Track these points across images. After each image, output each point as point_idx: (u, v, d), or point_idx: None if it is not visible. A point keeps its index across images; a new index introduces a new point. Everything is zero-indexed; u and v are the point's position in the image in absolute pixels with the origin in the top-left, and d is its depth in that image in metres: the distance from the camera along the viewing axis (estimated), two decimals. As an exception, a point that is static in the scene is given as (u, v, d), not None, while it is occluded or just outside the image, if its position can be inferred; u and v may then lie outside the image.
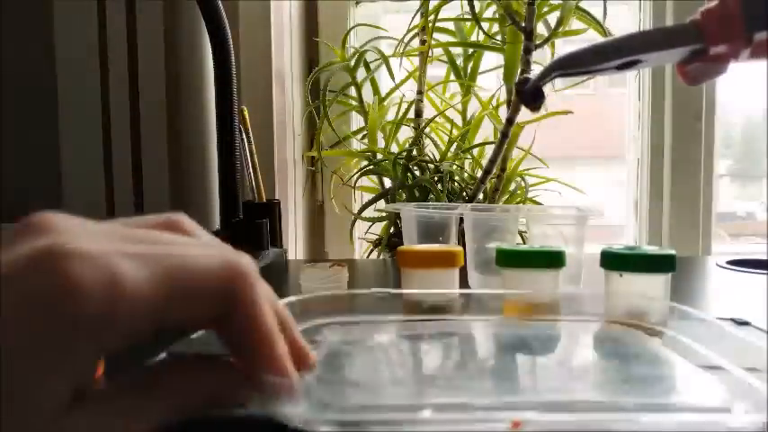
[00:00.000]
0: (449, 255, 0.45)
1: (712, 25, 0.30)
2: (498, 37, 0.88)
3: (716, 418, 0.25)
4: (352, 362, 0.36)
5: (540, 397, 0.29)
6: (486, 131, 0.97)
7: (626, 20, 1.16)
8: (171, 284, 0.20)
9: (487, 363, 0.36)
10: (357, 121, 1.11)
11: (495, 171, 0.87)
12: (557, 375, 0.33)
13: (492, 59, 0.98)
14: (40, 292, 0.18)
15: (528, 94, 0.36)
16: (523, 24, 0.80)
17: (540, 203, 0.95)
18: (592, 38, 0.89)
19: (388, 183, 0.97)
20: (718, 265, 0.75)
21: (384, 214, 0.96)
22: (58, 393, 0.19)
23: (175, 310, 0.21)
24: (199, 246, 0.23)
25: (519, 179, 0.94)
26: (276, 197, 0.92)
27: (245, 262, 0.23)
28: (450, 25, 0.95)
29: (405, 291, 0.45)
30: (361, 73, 0.99)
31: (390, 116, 1.00)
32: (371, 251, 0.99)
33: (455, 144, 0.96)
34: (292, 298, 0.41)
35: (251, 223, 0.72)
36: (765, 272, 0.69)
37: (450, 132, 0.97)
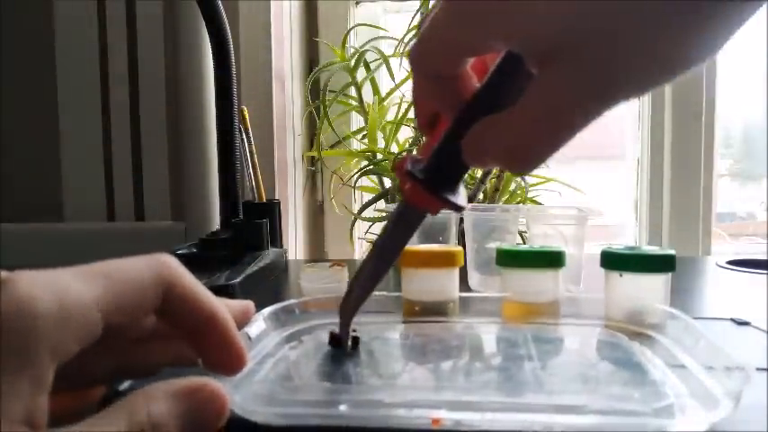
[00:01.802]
0: (449, 255, 0.45)
1: (421, 203, 0.31)
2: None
3: (627, 420, 0.25)
4: (325, 361, 0.36)
5: (457, 396, 0.30)
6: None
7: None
8: (109, 281, 0.22)
9: (449, 364, 0.36)
10: (357, 121, 1.11)
11: (495, 171, 0.87)
12: (501, 377, 0.33)
13: (492, 59, 0.98)
14: None
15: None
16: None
17: (540, 203, 0.95)
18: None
19: (388, 183, 0.97)
20: (718, 265, 0.75)
21: (384, 214, 0.96)
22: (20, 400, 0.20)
23: (118, 303, 0.23)
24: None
25: (519, 179, 0.94)
26: (276, 197, 0.92)
27: (170, 257, 0.25)
28: (450, 25, 0.95)
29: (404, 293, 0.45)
30: (361, 73, 0.99)
31: (390, 116, 1.00)
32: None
33: (455, 144, 0.96)
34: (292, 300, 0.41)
35: (251, 223, 0.72)
36: (765, 272, 0.69)
37: (450, 132, 0.97)
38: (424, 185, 0.30)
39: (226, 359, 0.27)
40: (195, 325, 0.26)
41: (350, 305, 0.36)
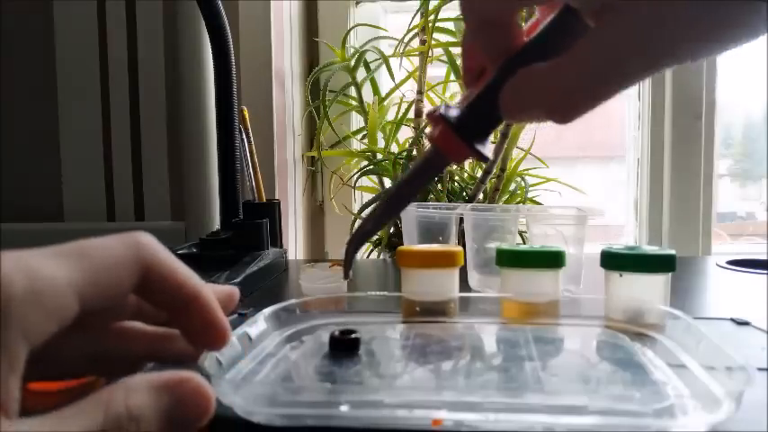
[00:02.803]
0: (449, 255, 0.45)
1: (447, 151, 0.31)
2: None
3: (628, 421, 0.25)
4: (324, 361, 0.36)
5: (458, 397, 0.30)
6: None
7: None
8: (83, 261, 0.22)
9: (450, 364, 0.36)
10: (357, 121, 1.11)
11: (495, 171, 0.87)
12: (503, 378, 0.33)
13: (492, 59, 0.98)
14: None
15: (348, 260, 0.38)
16: (523, 24, 0.79)
17: (540, 203, 0.95)
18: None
19: (388, 183, 0.97)
20: (718, 265, 0.75)
21: (384, 214, 0.96)
22: None
23: (94, 283, 0.22)
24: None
25: (519, 179, 0.94)
26: (276, 197, 0.92)
27: (147, 235, 0.25)
28: (451, 25, 0.95)
29: (403, 293, 0.45)
30: (361, 73, 0.99)
31: (390, 116, 1.00)
32: (371, 251, 0.99)
33: (455, 144, 0.96)
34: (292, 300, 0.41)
35: (251, 223, 0.72)
36: (765, 272, 0.69)
37: (451, 132, 0.97)
38: (455, 130, 0.30)
39: (209, 335, 0.26)
40: (177, 302, 0.25)
41: (357, 238, 0.36)
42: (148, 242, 0.24)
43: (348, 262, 0.37)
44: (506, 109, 0.29)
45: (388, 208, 0.35)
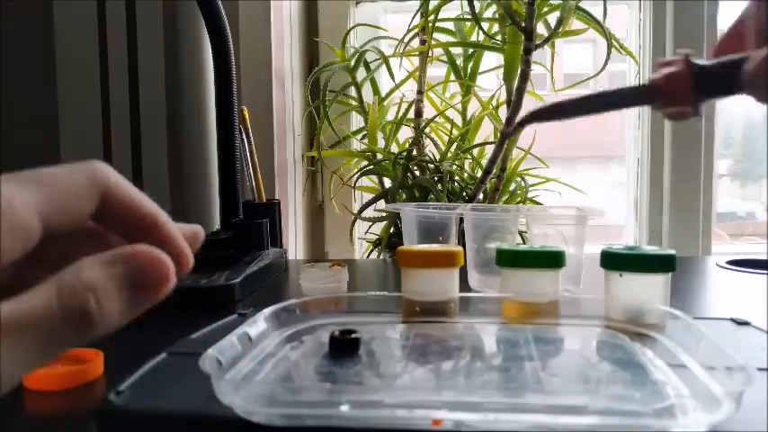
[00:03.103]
0: (449, 254, 0.45)
1: (668, 92, 0.33)
2: (498, 37, 0.88)
3: (628, 421, 0.25)
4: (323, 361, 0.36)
5: (458, 397, 0.30)
6: (486, 131, 0.97)
7: (626, 20, 1.16)
8: (44, 185, 0.22)
9: (450, 364, 0.36)
10: (357, 121, 1.11)
11: (495, 171, 0.87)
12: (502, 377, 0.33)
13: (492, 59, 0.98)
14: None
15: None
16: (523, 24, 0.79)
17: (540, 203, 0.95)
18: (592, 38, 0.89)
19: (388, 183, 0.97)
20: (718, 265, 0.75)
21: (384, 214, 0.96)
22: None
23: (56, 207, 0.22)
24: None
25: (519, 179, 0.94)
26: (276, 197, 0.92)
27: (103, 164, 0.24)
28: (451, 25, 0.95)
29: (403, 293, 0.45)
30: (361, 73, 0.99)
31: (390, 116, 1.00)
32: (371, 251, 0.99)
33: (455, 144, 0.96)
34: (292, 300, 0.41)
35: (251, 223, 0.72)
36: (765, 272, 0.69)
37: (450, 132, 0.97)
38: (694, 77, 0.31)
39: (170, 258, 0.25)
40: (136, 227, 0.25)
41: (542, 112, 0.38)
42: (105, 168, 0.24)
43: (523, 124, 0.39)
44: (755, 85, 0.29)
45: (574, 106, 0.36)
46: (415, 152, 0.94)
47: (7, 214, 0.20)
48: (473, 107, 0.98)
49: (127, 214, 0.24)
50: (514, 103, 0.81)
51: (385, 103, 1.00)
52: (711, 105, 1.09)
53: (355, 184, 0.99)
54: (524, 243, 0.80)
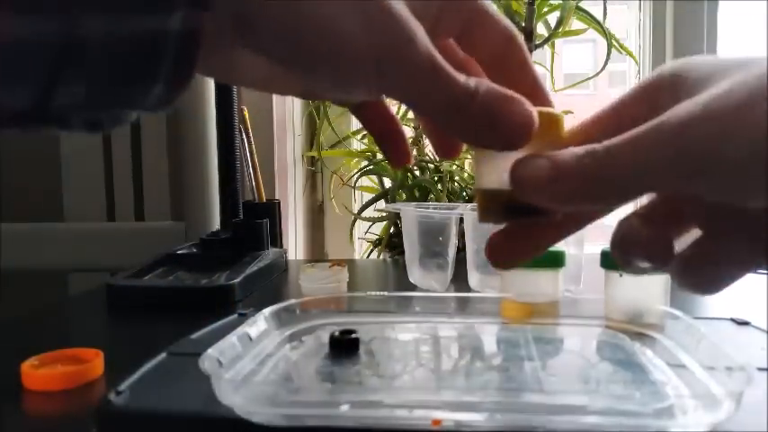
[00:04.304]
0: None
1: None
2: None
3: (628, 421, 0.25)
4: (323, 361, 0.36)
5: (458, 397, 0.30)
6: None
7: (626, 20, 1.16)
8: None
9: (450, 364, 0.36)
10: (357, 120, 1.10)
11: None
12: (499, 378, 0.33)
13: (492, 59, 0.98)
14: None
15: None
16: (523, 24, 0.79)
17: (540, 203, 0.95)
18: (592, 38, 0.89)
19: (388, 183, 0.97)
20: (718, 265, 0.75)
21: (384, 214, 0.96)
22: None
23: None
24: None
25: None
26: (276, 197, 0.92)
27: None
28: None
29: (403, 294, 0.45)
30: (361, 73, 0.99)
31: (390, 116, 1.00)
32: (371, 251, 0.98)
33: (455, 144, 0.96)
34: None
35: (251, 223, 0.72)
36: (765, 272, 0.69)
37: (450, 132, 0.97)
38: None
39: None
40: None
41: None
42: None
43: None
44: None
45: None
46: (415, 152, 0.94)
47: None
48: (473, 107, 0.98)
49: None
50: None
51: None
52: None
53: (355, 184, 0.99)
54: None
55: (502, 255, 0.24)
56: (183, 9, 0.18)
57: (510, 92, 0.21)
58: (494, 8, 0.24)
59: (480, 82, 0.21)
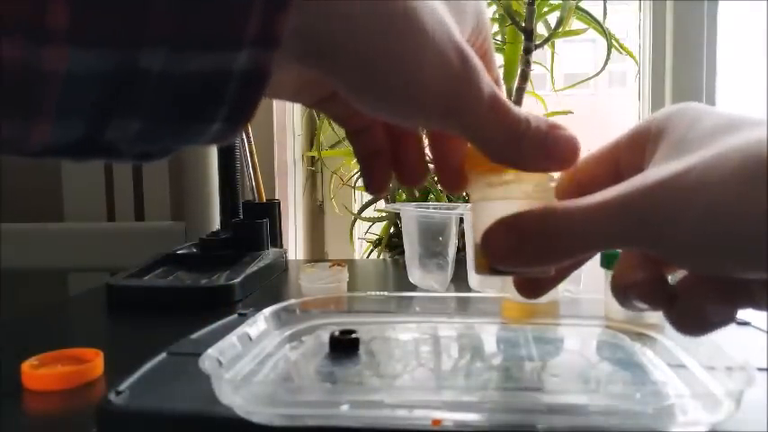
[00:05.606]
0: None
1: None
2: (498, 37, 0.88)
3: (628, 421, 0.25)
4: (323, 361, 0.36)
5: (458, 396, 0.29)
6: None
7: (626, 20, 1.16)
8: None
9: (450, 364, 0.36)
10: (357, 121, 1.10)
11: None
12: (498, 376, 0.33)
13: (492, 59, 0.98)
14: None
15: None
16: (523, 24, 0.79)
17: (540, 203, 0.95)
18: (592, 38, 0.89)
19: (387, 183, 0.97)
20: (718, 265, 0.75)
21: (384, 214, 0.96)
22: None
23: None
24: None
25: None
26: (276, 197, 0.92)
27: None
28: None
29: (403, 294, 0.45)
30: (361, 73, 0.99)
31: (390, 116, 1.00)
32: (371, 251, 0.98)
33: (455, 144, 0.96)
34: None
35: (251, 223, 0.72)
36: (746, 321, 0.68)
37: (451, 132, 0.97)
38: None
39: None
40: None
41: None
42: None
43: None
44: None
45: None
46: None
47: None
48: (473, 107, 0.98)
49: None
50: (514, 102, 0.81)
51: (385, 103, 1.00)
52: (711, 105, 1.08)
53: (355, 184, 0.99)
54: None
55: (527, 291, 0.26)
56: (251, 48, 0.17)
57: (552, 120, 0.23)
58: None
59: (528, 114, 0.22)
